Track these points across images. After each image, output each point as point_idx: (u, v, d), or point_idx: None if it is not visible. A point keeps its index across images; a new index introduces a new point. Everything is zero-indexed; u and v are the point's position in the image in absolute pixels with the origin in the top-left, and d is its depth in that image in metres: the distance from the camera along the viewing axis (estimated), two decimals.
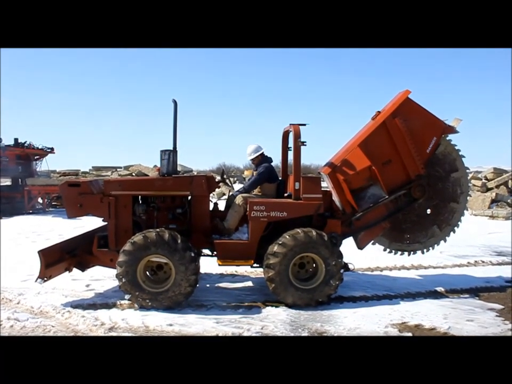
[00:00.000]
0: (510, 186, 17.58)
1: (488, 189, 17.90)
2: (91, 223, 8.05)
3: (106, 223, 5.56)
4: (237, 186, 19.82)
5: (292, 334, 4.42)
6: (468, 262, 8.03)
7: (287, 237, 5.19)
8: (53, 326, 4.55)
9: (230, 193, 6.06)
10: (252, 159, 6.01)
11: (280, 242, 5.19)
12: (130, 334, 4.35)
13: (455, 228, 6.24)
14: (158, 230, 5.10)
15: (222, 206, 6.16)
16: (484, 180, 18.65)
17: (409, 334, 4.48)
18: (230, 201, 5.88)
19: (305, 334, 4.44)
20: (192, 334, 4.41)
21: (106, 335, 4.32)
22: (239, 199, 5.64)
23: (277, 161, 6.14)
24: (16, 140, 16.16)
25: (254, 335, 4.37)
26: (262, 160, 5.99)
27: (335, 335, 4.43)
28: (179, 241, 5.02)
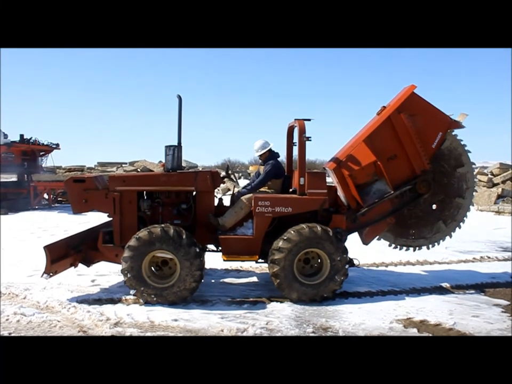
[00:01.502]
0: None
1: (494, 184, 17.82)
2: (96, 218, 8.08)
3: (111, 218, 5.58)
4: (242, 182, 19.78)
5: (297, 330, 4.42)
6: (474, 258, 8.00)
7: (292, 232, 5.19)
8: (58, 321, 4.58)
9: (236, 190, 6.05)
10: (259, 155, 6.00)
11: (285, 238, 5.18)
12: (135, 329, 4.37)
13: (461, 224, 6.21)
14: (163, 225, 5.12)
15: (226, 201, 6.15)
16: (489, 175, 18.56)
17: (414, 330, 4.47)
18: (235, 198, 5.86)
19: (310, 329, 4.44)
20: (197, 329, 4.42)
21: (110, 332, 4.31)
22: (243, 201, 5.60)
23: (282, 157, 6.12)
24: (21, 136, 16.25)
25: (259, 330, 4.37)
26: (269, 156, 5.95)
27: (340, 330, 4.43)
28: (184, 236, 5.03)
